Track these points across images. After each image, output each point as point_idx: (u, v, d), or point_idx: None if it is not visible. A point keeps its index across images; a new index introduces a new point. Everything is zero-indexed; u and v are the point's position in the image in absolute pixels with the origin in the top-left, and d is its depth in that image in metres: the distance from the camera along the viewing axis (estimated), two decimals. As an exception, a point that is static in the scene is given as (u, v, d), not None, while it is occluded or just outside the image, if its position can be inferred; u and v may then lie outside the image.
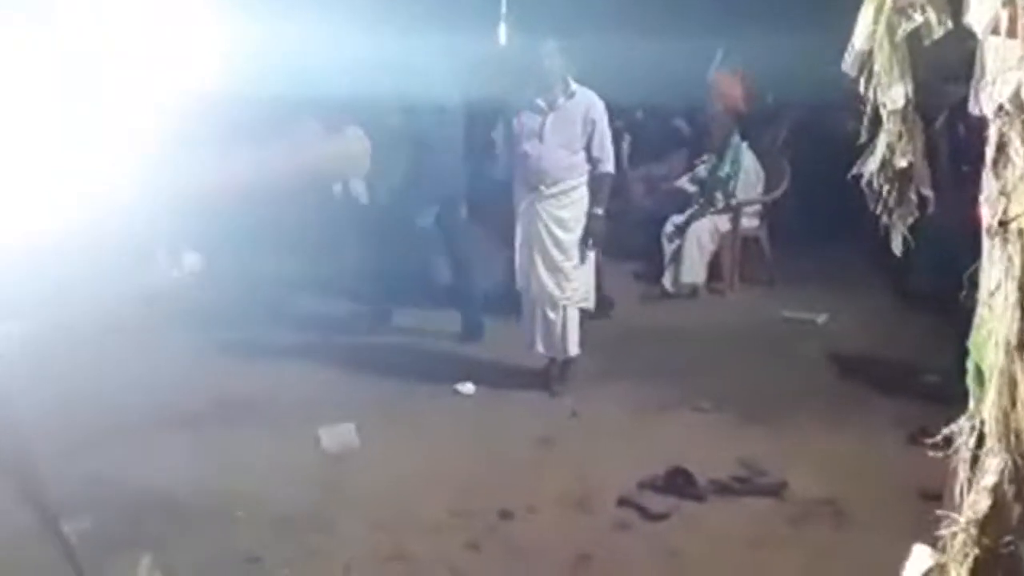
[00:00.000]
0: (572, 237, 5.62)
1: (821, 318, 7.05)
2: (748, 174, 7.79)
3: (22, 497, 3.19)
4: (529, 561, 4.00)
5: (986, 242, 1.81)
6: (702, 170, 7.95)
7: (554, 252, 5.62)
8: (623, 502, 4.47)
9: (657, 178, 8.52)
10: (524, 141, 5.60)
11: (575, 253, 5.63)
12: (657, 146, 8.83)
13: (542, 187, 5.59)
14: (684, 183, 8.05)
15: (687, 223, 7.68)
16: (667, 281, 7.65)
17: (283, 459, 4.82)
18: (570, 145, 5.58)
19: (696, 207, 7.76)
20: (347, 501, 4.47)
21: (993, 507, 1.73)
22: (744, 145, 7.83)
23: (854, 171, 2.31)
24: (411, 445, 5.02)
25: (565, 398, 5.67)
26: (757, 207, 7.89)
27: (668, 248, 7.70)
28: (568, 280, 5.65)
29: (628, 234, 7.87)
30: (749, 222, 7.83)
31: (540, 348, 5.79)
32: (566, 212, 5.62)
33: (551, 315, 5.70)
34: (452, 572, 3.93)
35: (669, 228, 7.73)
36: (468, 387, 5.78)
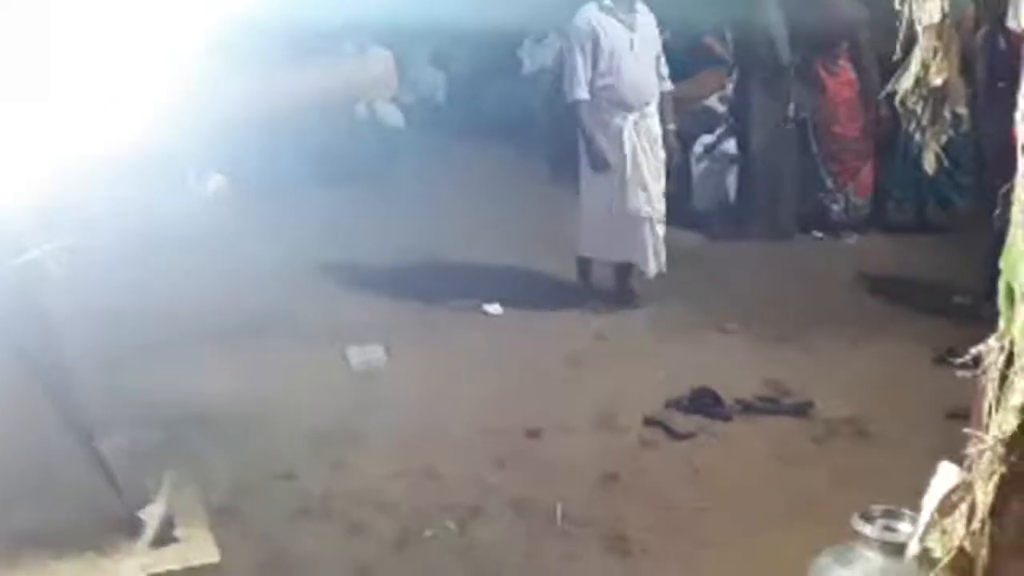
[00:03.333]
0: (660, 154, 5.69)
1: (852, 238, 7.00)
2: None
3: (61, 415, 3.26)
4: (556, 479, 4.06)
5: (1021, 160, 1.78)
6: (732, 89, 7.82)
7: (656, 170, 5.67)
8: (649, 421, 4.51)
9: (686, 97, 8.38)
10: (619, 58, 5.52)
11: (662, 170, 5.71)
12: (686, 64, 8.68)
13: (644, 106, 5.61)
14: (713, 103, 7.93)
15: (716, 143, 7.59)
16: (696, 201, 7.59)
17: (314, 378, 4.89)
18: (652, 63, 5.65)
19: (725, 127, 7.66)
20: (377, 420, 4.53)
21: (1021, 426, 1.73)
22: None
23: (887, 89, 2.27)
24: (439, 365, 5.07)
25: (591, 319, 5.69)
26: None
27: (696, 168, 7.63)
28: (659, 194, 5.69)
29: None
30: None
31: (637, 261, 5.75)
32: (656, 129, 5.69)
33: (646, 231, 5.68)
34: (480, 489, 4.00)
35: (698, 148, 7.64)
36: (495, 308, 5.81)
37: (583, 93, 5.55)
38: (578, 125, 5.62)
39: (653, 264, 5.73)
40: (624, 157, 5.56)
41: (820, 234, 7.05)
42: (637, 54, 5.55)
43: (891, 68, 2.22)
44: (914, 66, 2.16)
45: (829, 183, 7.03)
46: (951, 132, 2.32)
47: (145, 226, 6.14)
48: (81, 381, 3.41)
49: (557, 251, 6.10)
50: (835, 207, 7.05)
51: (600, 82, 5.54)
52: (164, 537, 3.01)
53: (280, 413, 4.52)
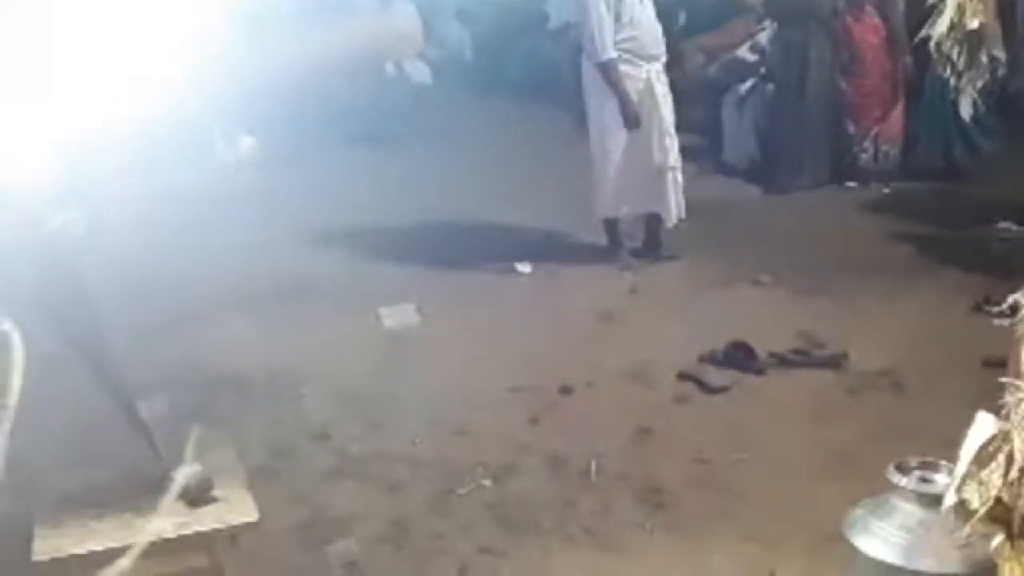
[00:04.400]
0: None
1: (885, 187, 6.91)
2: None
3: (100, 381, 3.30)
4: (589, 434, 4.07)
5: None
6: (763, 38, 7.70)
7: (672, 119, 5.66)
8: (683, 376, 4.50)
9: (716, 48, 8.27)
10: (639, 9, 5.47)
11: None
12: (717, 14, 8.55)
13: (663, 55, 5.60)
14: (744, 52, 7.81)
15: (748, 94, 7.49)
16: (728, 154, 7.52)
17: (347, 339, 4.91)
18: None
19: (757, 77, 7.54)
20: (410, 378, 4.55)
21: (1059, 375, 1.71)
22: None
23: (922, 34, 2.23)
24: (471, 323, 5.08)
25: (623, 274, 5.66)
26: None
27: (728, 120, 7.54)
28: (676, 142, 5.69)
29: (685, 107, 7.71)
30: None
31: (661, 211, 5.74)
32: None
33: (669, 180, 5.66)
34: (514, 446, 4.01)
35: (732, 99, 7.54)
36: (526, 266, 5.80)
37: (612, 52, 5.47)
38: (607, 85, 5.51)
39: (675, 213, 5.72)
40: (655, 108, 5.53)
41: (853, 184, 6.98)
42: (646, 5, 5.51)
43: (920, 14, 2.18)
44: (949, 9, 2.11)
45: (852, 129, 6.97)
46: (987, 76, 2.28)
47: (175, 193, 6.18)
48: (118, 346, 3.44)
49: (587, 207, 6.06)
50: (864, 156, 6.99)
51: (621, 35, 5.46)
52: (202, 497, 3.04)
53: (314, 374, 4.55)
